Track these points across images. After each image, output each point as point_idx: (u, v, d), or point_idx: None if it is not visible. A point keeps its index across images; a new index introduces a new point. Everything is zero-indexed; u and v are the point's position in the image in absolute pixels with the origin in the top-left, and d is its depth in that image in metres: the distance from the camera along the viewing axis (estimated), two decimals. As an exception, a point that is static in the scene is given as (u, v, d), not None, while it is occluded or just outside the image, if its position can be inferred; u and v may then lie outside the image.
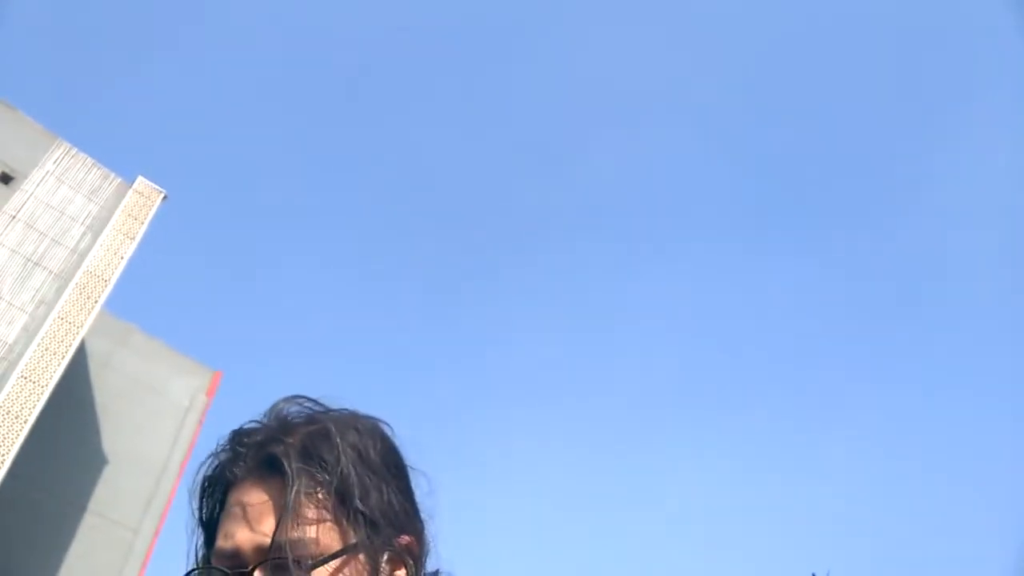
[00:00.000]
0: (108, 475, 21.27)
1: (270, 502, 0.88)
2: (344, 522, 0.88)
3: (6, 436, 17.12)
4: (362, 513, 0.89)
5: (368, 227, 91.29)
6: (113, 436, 21.77)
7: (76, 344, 19.18)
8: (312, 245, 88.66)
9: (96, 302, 20.00)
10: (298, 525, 0.85)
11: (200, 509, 0.98)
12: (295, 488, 0.87)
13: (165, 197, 22.93)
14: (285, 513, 0.86)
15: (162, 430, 22.91)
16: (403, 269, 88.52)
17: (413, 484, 0.98)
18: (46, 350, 18.61)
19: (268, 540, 0.85)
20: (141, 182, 22.45)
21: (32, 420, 17.60)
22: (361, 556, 0.87)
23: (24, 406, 17.68)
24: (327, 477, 0.89)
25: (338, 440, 0.91)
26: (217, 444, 0.98)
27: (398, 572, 0.91)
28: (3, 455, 16.86)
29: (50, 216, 20.42)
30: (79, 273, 20.00)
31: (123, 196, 21.79)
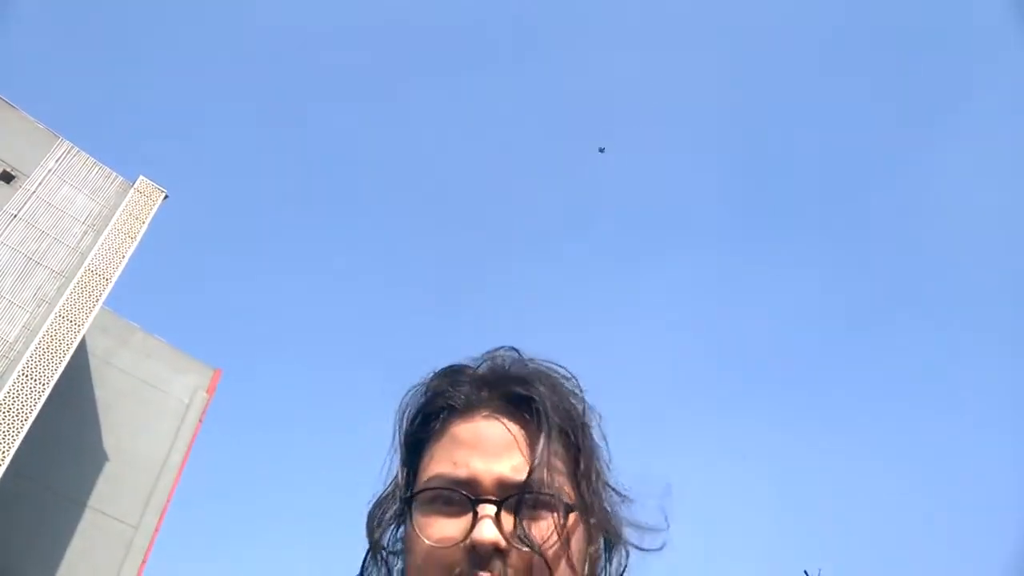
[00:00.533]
0: (109, 472, 21.29)
1: (514, 439, 0.88)
2: (574, 481, 0.88)
3: (7, 433, 17.12)
4: (588, 480, 0.89)
5: (370, 225, 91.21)
6: (114, 433, 21.78)
7: (77, 342, 19.17)
8: (312, 244, 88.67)
9: (97, 300, 20.01)
10: (548, 470, 0.85)
11: (408, 433, 0.97)
12: (550, 432, 0.87)
13: (166, 197, 22.94)
14: (541, 453, 0.85)
15: (163, 427, 22.92)
16: (403, 268, 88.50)
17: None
18: (47, 348, 18.60)
19: (512, 476, 0.85)
20: (142, 182, 22.46)
21: (32, 417, 17.59)
22: (584, 522, 0.87)
23: (25, 403, 17.68)
24: (572, 432, 0.90)
25: (585, 403, 0.92)
26: (428, 375, 0.98)
27: (591, 549, 0.91)
28: (3, 452, 16.86)
29: (52, 215, 20.42)
30: (80, 271, 19.99)
31: (125, 195, 21.79)
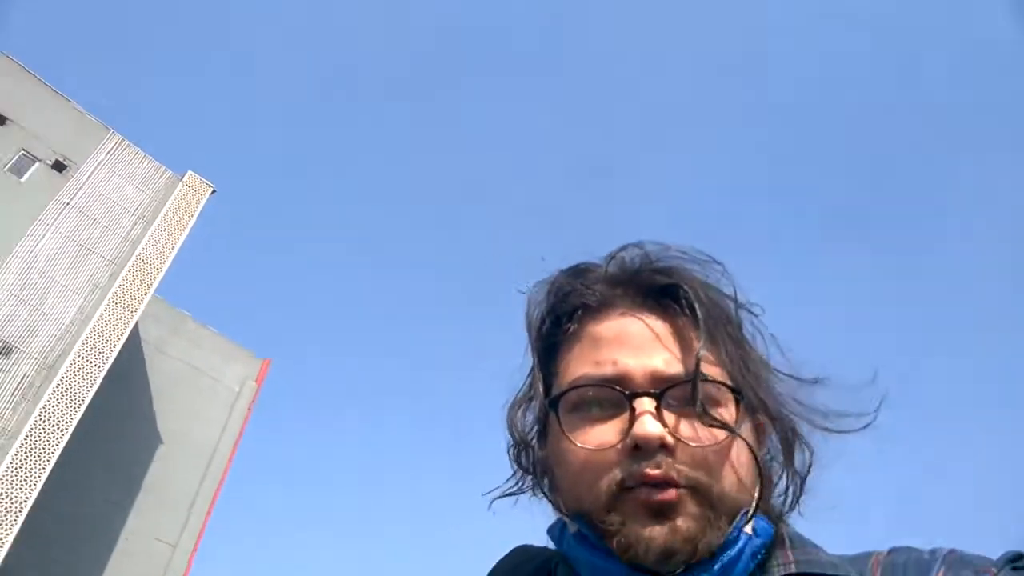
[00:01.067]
0: (163, 455, 21.43)
1: (661, 333, 0.82)
2: (735, 368, 0.82)
3: (64, 413, 17.31)
4: (751, 367, 0.83)
5: (416, 217, 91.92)
6: (167, 419, 21.93)
7: (130, 328, 19.44)
8: (359, 235, 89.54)
9: (148, 288, 20.28)
10: (705, 360, 0.79)
11: (537, 338, 0.90)
12: (702, 320, 0.80)
13: (214, 191, 23.27)
14: (696, 342, 0.80)
15: (213, 415, 23.05)
16: (450, 260, 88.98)
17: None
18: (101, 331, 18.87)
19: (666, 369, 0.79)
20: (191, 176, 22.80)
21: (88, 399, 17.83)
22: (752, 412, 0.82)
23: (81, 384, 17.91)
24: (726, 319, 0.84)
25: (735, 287, 0.86)
26: (552, 275, 0.91)
27: (763, 450, 0.85)
28: (61, 431, 17.05)
29: (103, 204, 20.82)
30: (131, 260, 20.30)
31: (173, 188, 22.15)
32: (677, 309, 0.83)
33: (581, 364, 0.83)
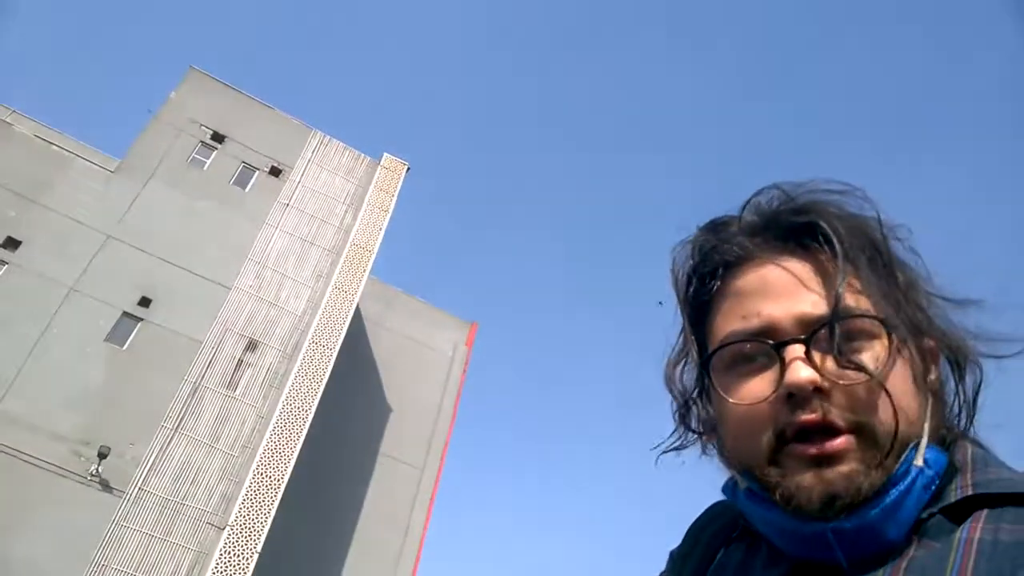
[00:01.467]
0: (393, 422, 23.05)
1: (804, 275, 0.80)
2: (890, 299, 0.79)
3: (307, 394, 18.96)
4: (906, 294, 0.80)
5: (614, 180, 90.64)
6: (393, 388, 23.46)
7: (352, 309, 20.89)
8: (551, 197, 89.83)
9: (364, 271, 21.62)
10: (854, 294, 0.78)
11: (684, 299, 0.89)
12: (846, 253, 0.78)
13: (408, 168, 24.20)
14: (841, 277, 0.77)
15: (433, 379, 24.31)
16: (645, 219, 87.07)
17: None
18: (329, 317, 20.35)
19: (813, 311, 0.77)
20: (387, 158, 23.80)
21: (326, 378, 19.42)
22: (912, 343, 0.79)
23: (318, 367, 19.53)
24: (872, 247, 0.81)
25: (879, 213, 0.83)
26: (692, 234, 0.90)
27: (931, 376, 0.81)
28: (306, 410, 18.71)
29: (316, 200, 22.32)
30: (347, 247, 21.62)
31: (373, 173, 23.22)
32: (818, 247, 0.81)
33: (729, 320, 0.82)
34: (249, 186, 21.27)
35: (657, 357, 0.89)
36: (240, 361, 19.06)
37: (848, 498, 0.72)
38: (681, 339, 0.89)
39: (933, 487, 0.74)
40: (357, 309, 21.68)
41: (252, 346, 19.45)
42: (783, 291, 0.79)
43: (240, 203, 20.85)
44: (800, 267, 0.80)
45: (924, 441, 0.74)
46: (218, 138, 21.36)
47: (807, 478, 0.73)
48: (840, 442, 0.73)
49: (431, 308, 25.55)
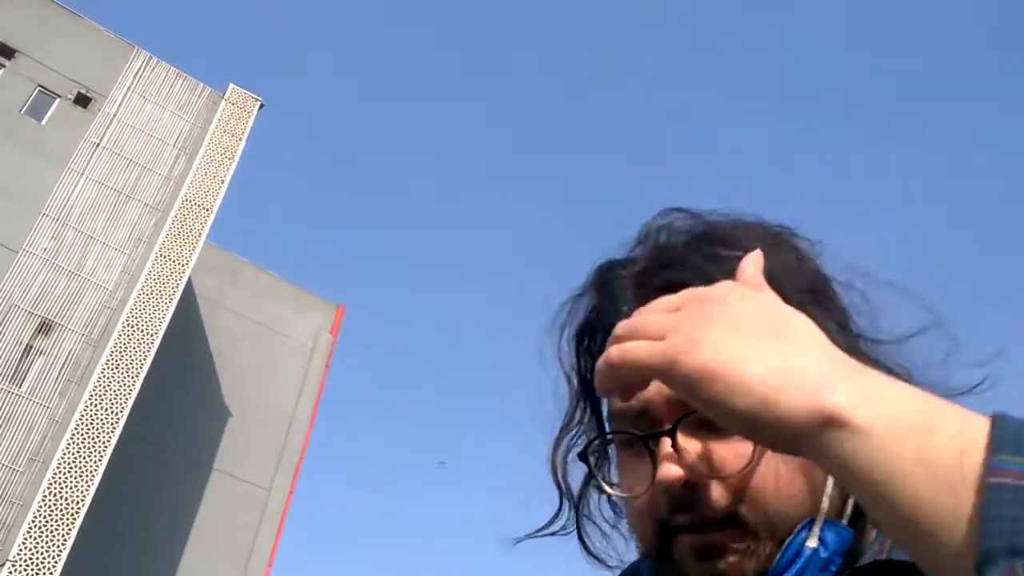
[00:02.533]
0: (233, 429, 22.27)
1: None
2: None
3: (118, 392, 18.07)
4: None
5: (492, 141, 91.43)
6: (234, 386, 22.68)
7: (182, 284, 19.92)
8: (433, 157, 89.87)
9: (199, 234, 20.64)
10: None
11: (576, 366, 0.97)
12: None
13: (262, 105, 23.21)
14: None
15: (287, 375, 23.72)
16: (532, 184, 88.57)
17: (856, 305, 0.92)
18: (151, 293, 19.38)
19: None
20: (233, 90, 22.73)
21: (144, 372, 18.52)
22: None
23: (134, 358, 18.57)
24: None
25: (789, 249, 0.90)
26: (585, 280, 0.98)
27: None
28: (117, 413, 17.85)
29: (137, 140, 21.10)
30: (177, 203, 20.61)
31: (215, 109, 22.18)
32: None
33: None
34: (47, 117, 20.11)
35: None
36: (28, 348, 18.24)
37: None
38: (566, 408, 0.98)
39: (833, 567, 0.80)
40: (189, 283, 20.73)
41: (45, 328, 18.48)
42: None
43: (34, 140, 19.65)
44: None
45: (820, 520, 0.80)
46: (6, 52, 20.07)
47: (695, 570, 0.80)
48: (717, 537, 0.80)
49: (286, 285, 25.04)
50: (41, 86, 20.23)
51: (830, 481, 0.82)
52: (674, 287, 0.82)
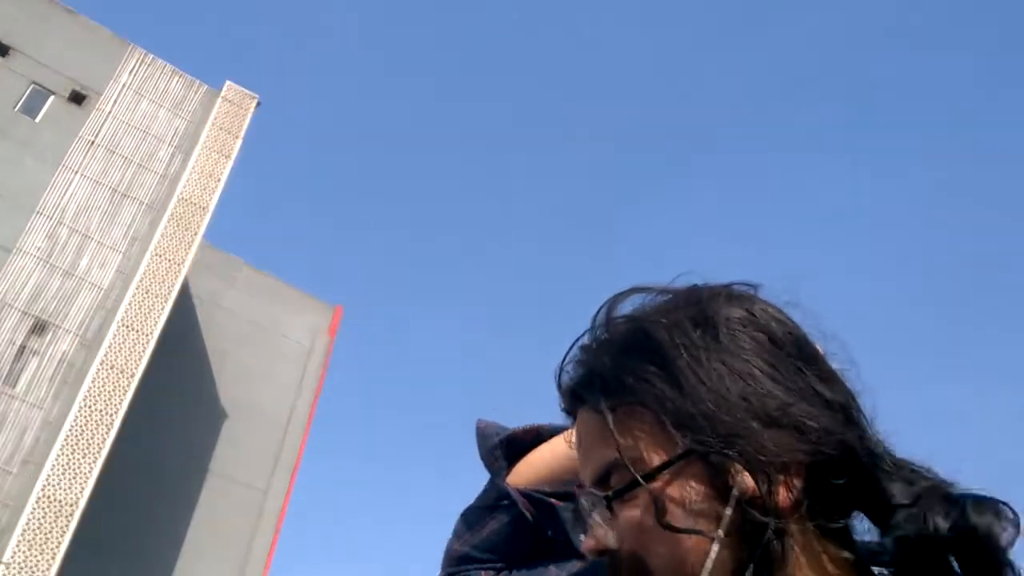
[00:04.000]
0: (229, 431, 22.23)
1: (588, 437, 0.93)
2: (673, 432, 0.87)
3: (113, 393, 18.03)
4: (693, 416, 0.88)
5: (497, 147, 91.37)
6: (231, 387, 22.64)
7: (178, 284, 19.89)
8: (436, 156, 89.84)
9: (196, 234, 20.61)
10: (615, 451, 0.89)
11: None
12: (603, 405, 0.90)
13: (259, 103, 23.15)
14: (590, 449, 0.92)
15: (284, 376, 23.68)
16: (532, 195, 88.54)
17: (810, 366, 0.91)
18: (146, 293, 19.36)
19: (592, 475, 0.91)
20: (230, 87, 22.69)
21: (139, 374, 18.49)
22: (698, 463, 0.86)
23: (129, 358, 18.53)
24: (648, 388, 0.89)
25: (664, 337, 0.91)
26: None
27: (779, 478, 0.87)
28: (112, 415, 17.81)
29: (133, 138, 21.04)
30: (173, 201, 20.57)
31: (211, 106, 22.13)
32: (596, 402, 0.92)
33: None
34: (41, 115, 20.03)
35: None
36: (22, 348, 18.09)
37: None
38: None
39: None
40: (185, 284, 20.61)
41: (39, 328, 18.37)
42: (581, 455, 0.94)
43: (28, 137, 19.58)
44: (586, 428, 0.93)
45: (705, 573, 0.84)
46: (1, 49, 20.01)
47: None
48: None
49: (284, 286, 25.02)
50: (35, 83, 20.18)
51: (715, 544, 0.83)
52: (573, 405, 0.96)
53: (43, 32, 20.55)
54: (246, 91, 22.88)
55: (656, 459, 0.86)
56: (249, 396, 22.85)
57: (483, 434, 1.34)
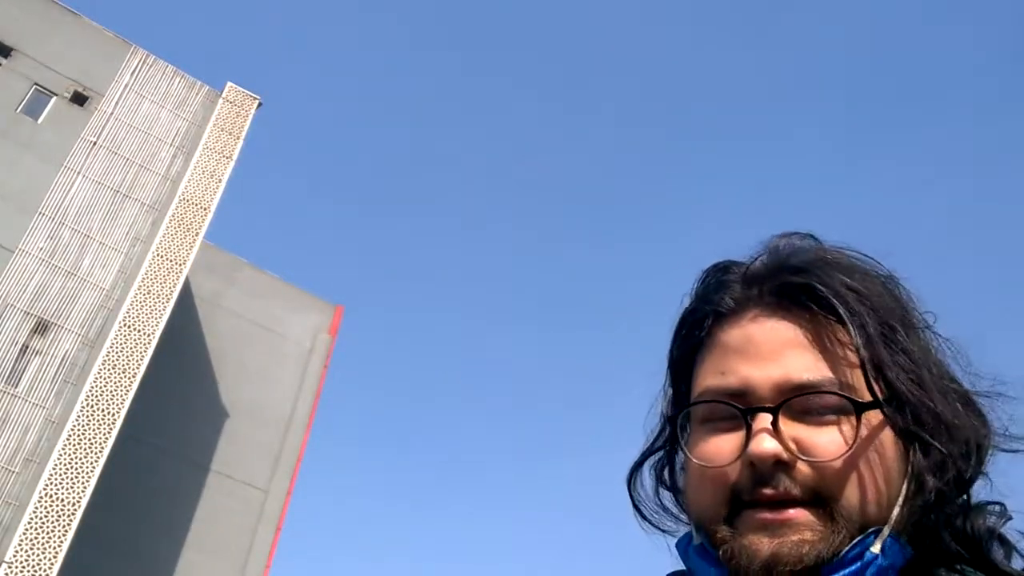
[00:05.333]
0: (230, 430, 22.26)
1: (793, 337, 0.91)
2: (873, 381, 0.88)
3: (114, 393, 18.07)
4: (902, 370, 0.90)
5: (498, 146, 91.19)
6: (232, 387, 22.67)
7: (180, 284, 19.94)
8: (439, 154, 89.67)
9: (197, 234, 20.65)
10: (836, 365, 0.89)
11: (673, 347, 1.03)
12: (841, 319, 0.89)
13: (260, 104, 23.20)
14: (825, 344, 0.89)
15: (285, 376, 23.70)
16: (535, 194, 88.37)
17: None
18: (148, 293, 19.41)
19: (792, 378, 0.88)
20: (231, 88, 22.74)
21: (141, 373, 18.55)
22: (887, 426, 0.89)
23: (131, 358, 18.57)
24: (876, 320, 0.91)
25: (896, 287, 0.95)
26: (700, 276, 1.03)
27: (914, 457, 0.90)
28: (114, 414, 17.87)
29: (134, 138, 21.07)
30: (174, 202, 20.63)
31: (213, 107, 22.18)
32: (816, 310, 0.91)
33: (708, 375, 0.94)
34: (43, 116, 20.04)
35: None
36: (25, 348, 18.14)
37: (789, 566, 0.83)
38: (660, 397, 1.04)
39: None
40: (186, 284, 20.72)
41: (42, 328, 18.41)
42: (767, 352, 0.91)
43: (30, 138, 19.59)
44: (790, 330, 0.91)
45: (887, 530, 0.85)
46: (2, 50, 20.02)
47: (754, 540, 0.85)
48: (794, 512, 0.85)
49: (285, 285, 24.99)
50: (38, 84, 20.20)
51: (901, 497, 0.87)
52: (788, 291, 0.93)
53: (45, 33, 20.55)
54: (247, 92, 22.92)
55: (877, 389, 0.87)
56: (250, 396, 22.88)
57: None
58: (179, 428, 21.25)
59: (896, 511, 0.85)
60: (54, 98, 20.34)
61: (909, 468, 0.89)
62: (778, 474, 0.85)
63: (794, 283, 0.93)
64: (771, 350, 0.90)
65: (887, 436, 0.88)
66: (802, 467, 0.85)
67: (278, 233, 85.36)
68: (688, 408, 0.96)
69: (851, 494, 0.85)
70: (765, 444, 0.85)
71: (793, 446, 0.85)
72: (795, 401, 0.87)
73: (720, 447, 0.90)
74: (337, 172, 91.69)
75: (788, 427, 0.86)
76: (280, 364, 23.87)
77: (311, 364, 24.28)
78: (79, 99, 20.65)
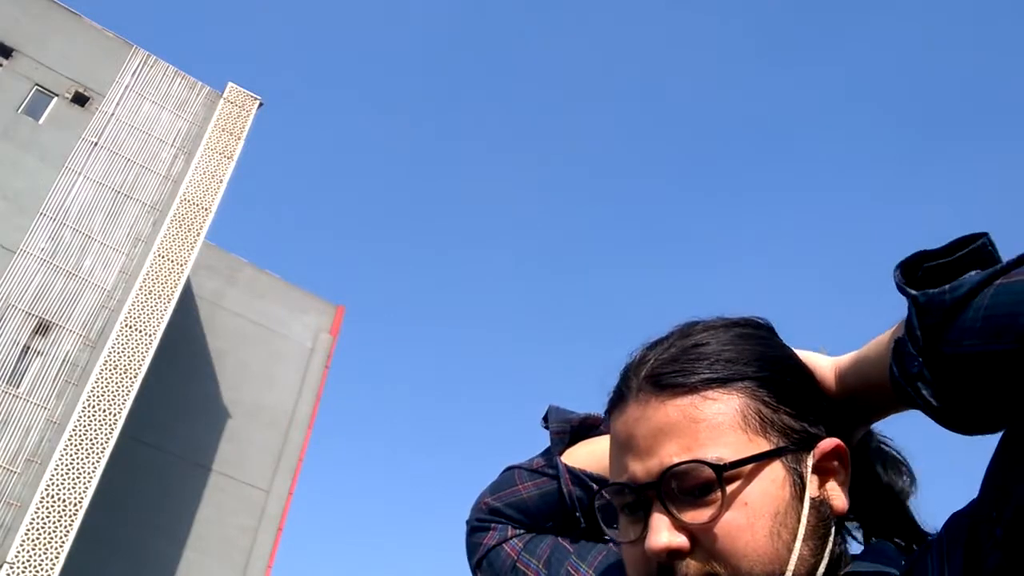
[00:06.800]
0: (232, 431, 22.31)
1: (668, 421, 0.94)
2: (752, 432, 0.92)
3: (116, 393, 18.10)
4: (774, 416, 0.94)
5: (502, 148, 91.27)
6: (233, 386, 22.72)
7: (181, 284, 19.97)
8: (439, 154, 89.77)
9: (198, 234, 20.67)
10: (694, 445, 0.91)
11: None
12: (709, 384, 0.94)
13: (261, 104, 23.20)
14: (675, 434, 0.92)
15: (286, 376, 23.75)
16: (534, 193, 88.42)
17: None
18: (149, 293, 19.42)
19: (666, 462, 0.91)
20: (232, 89, 22.76)
21: (142, 373, 18.58)
22: (777, 464, 0.92)
23: (132, 358, 18.59)
24: (725, 380, 0.95)
25: (734, 340, 0.99)
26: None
27: (828, 483, 0.96)
28: (115, 414, 17.89)
29: (135, 139, 21.10)
30: (175, 203, 20.64)
31: (213, 108, 22.19)
32: (692, 384, 0.95)
33: (612, 467, 1.01)
34: (44, 116, 20.06)
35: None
36: (26, 348, 18.14)
37: None
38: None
39: None
40: (187, 284, 20.82)
41: (43, 329, 18.42)
42: (643, 443, 0.94)
43: (31, 138, 19.63)
44: (664, 417, 0.94)
45: (792, 570, 0.88)
46: (3, 51, 20.04)
47: None
48: None
49: (286, 285, 25.02)
50: (38, 85, 20.22)
51: (798, 541, 0.90)
52: (661, 376, 0.97)
53: (46, 34, 20.58)
54: (248, 92, 22.94)
55: (746, 451, 0.91)
56: (252, 396, 22.91)
57: (558, 410, 1.35)
58: (180, 428, 21.27)
59: (794, 558, 0.88)
60: (55, 99, 20.37)
61: (814, 501, 0.93)
62: (676, 562, 0.89)
63: (665, 369, 0.96)
64: (647, 440, 0.93)
65: (773, 485, 0.91)
66: (698, 547, 0.89)
67: (279, 233, 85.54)
68: (597, 493, 1.02)
69: (743, 557, 0.88)
70: (654, 540, 0.89)
71: (682, 535, 0.89)
72: (673, 486, 0.90)
73: (630, 532, 0.95)
74: (337, 172, 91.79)
75: (681, 512, 0.89)
76: (281, 364, 23.90)
77: (312, 364, 24.30)
78: (80, 100, 20.67)
